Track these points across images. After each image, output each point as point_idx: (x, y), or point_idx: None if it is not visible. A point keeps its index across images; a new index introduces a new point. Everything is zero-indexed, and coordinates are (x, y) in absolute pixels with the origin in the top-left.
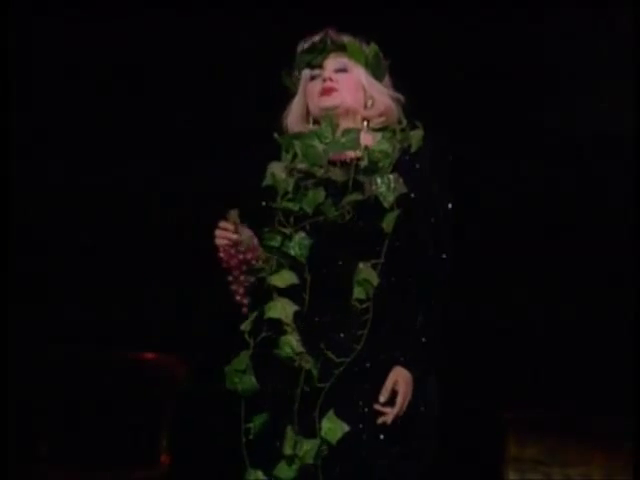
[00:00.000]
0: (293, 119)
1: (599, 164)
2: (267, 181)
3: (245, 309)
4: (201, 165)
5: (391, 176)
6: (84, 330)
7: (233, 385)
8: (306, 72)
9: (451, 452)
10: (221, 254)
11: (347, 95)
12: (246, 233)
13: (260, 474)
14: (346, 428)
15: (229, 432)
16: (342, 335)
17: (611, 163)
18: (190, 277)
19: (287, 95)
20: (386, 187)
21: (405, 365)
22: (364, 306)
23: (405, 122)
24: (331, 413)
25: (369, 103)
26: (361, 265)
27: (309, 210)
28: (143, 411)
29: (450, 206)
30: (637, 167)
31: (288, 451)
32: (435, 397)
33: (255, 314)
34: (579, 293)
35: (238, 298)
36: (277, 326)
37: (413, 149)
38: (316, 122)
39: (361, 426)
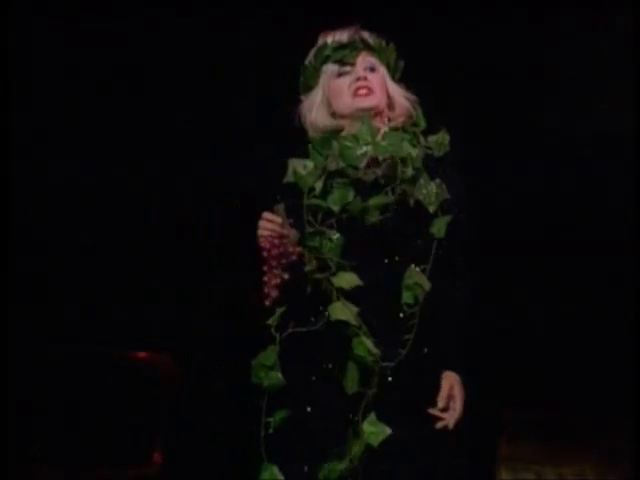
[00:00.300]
0: (321, 115)
1: (599, 164)
2: (289, 178)
3: (269, 301)
4: (201, 165)
5: (433, 183)
6: (78, 329)
7: (258, 380)
8: (331, 67)
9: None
10: (263, 243)
11: (379, 95)
12: (291, 229)
13: (275, 470)
14: (388, 431)
15: (222, 431)
16: (376, 339)
17: (611, 163)
18: (188, 277)
19: (300, 89)
20: (429, 192)
21: (454, 369)
22: (412, 311)
23: (424, 124)
24: (372, 416)
25: (392, 105)
26: (412, 268)
27: (336, 208)
28: (136, 410)
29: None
30: (637, 167)
31: (348, 451)
32: None
33: (283, 309)
34: (579, 293)
35: (266, 290)
36: (341, 327)
37: (439, 154)
38: (335, 117)
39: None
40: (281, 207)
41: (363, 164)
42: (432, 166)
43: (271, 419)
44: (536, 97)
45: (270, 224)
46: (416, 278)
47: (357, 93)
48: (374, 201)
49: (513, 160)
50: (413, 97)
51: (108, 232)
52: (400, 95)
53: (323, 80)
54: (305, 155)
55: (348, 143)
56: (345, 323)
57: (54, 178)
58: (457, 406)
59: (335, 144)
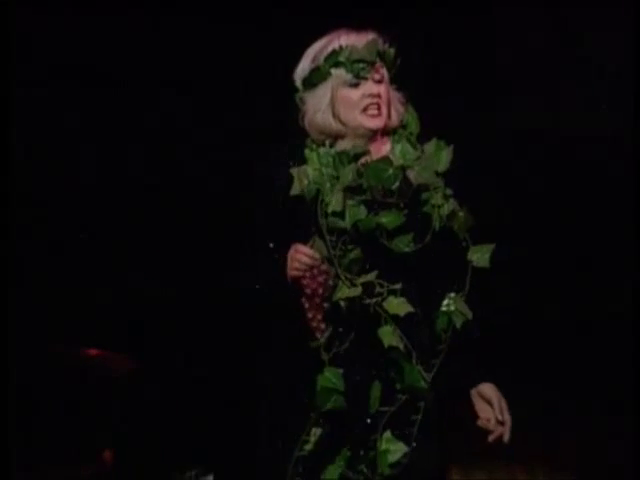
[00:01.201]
0: (326, 119)
1: (599, 164)
2: (295, 190)
3: (320, 334)
4: (201, 166)
5: (462, 210)
6: (29, 326)
7: (322, 403)
8: (344, 75)
9: None
10: (307, 282)
11: (385, 112)
12: (327, 264)
13: None
14: (405, 448)
15: (172, 430)
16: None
17: (611, 162)
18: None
19: (300, 83)
20: (459, 219)
21: (489, 380)
22: (446, 336)
23: (415, 128)
24: (388, 434)
25: (390, 113)
26: (453, 296)
27: (348, 225)
28: (86, 408)
29: None
30: (637, 167)
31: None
32: None
33: (330, 330)
34: (579, 294)
35: (315, 324)
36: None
37: (441, 169)
38: (337, 120)
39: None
40: (320, 242)
41: (395, 186)
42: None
43: (309, 438)
44: (536, 96)
45: (309, 259)
46: (458, 305)
47: (367, 112)
48: (386, 219)
49: (513, 160)
50: (403, 98)
51: (106, 231)
52: (396, 100)
53: (332, 84)
54: (301, 155)
55: (381, 165)
56: (395, 349)
57: (54, 178)
58: (507, 417)
59: (369, 168)
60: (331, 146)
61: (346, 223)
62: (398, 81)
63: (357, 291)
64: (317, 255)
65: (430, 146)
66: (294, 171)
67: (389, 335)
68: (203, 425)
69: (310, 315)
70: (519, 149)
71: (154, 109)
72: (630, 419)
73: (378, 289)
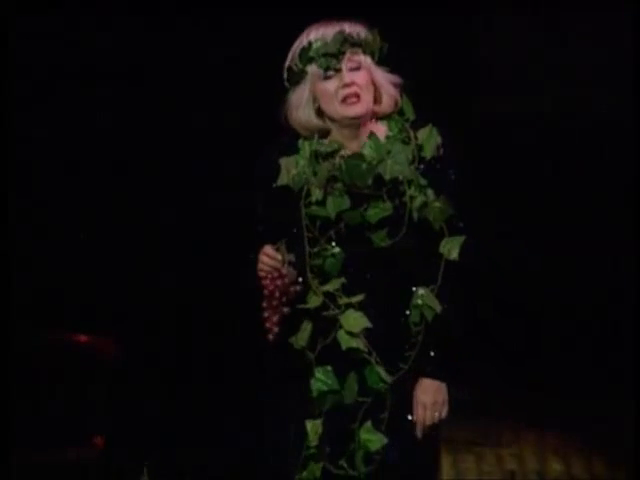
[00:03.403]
0: (307, 115)
1: (598, 161)
2: (281, 180)
3: (272, 336)
4: (201, 166)
5: (439, 200)
6: (17, 309)
7: (322, 405)
8: (317, 70)
9: None
10: (264, 282)
11: (367, 98)
12: (290, 269)
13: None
14: (384, 440)
15: (163, 415)
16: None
17: (610, 160)
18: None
19: (286, 86)
20: (434, 210)
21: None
22: (418, 329)
23: (411, 114)
24: (369, 424)
25: (379, 97)
26: (421, 290)
27: (331, 216)
28: (77, 392)
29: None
30: (637, 164)
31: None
32: None
33: (309, 326)
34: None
35: (268, 325)
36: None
37: (430, 154)
38: (322, 116)
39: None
40: (283, 245)
41: (369, 182)
42: (424, 168)
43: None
44: (536, 94)
45: (271, 261)
46: (426, 300)
47: (345, 101)
48: (373, 212)
49: (512, 158)
50: (398, 80)
51: (105, 231)
52: (387, 81)
53: (309, 80)
54: (295, 149)
55: (354, 161)
56: (355, 349)
57: (54, 176)
58: (425, 419)
59: (339, 161)
60: (320, 139)
61: (329, 212)
62: (390, 64)
63: (318, 301)
64: (279, 257)
65: (423, 133)
66: (282, 161)
67: (346, 338)
68: (187, 409)
69: (266, 315)
70: (518, 145)
71: (154, 109)
72: (630, 419)
73: (339, 300)
